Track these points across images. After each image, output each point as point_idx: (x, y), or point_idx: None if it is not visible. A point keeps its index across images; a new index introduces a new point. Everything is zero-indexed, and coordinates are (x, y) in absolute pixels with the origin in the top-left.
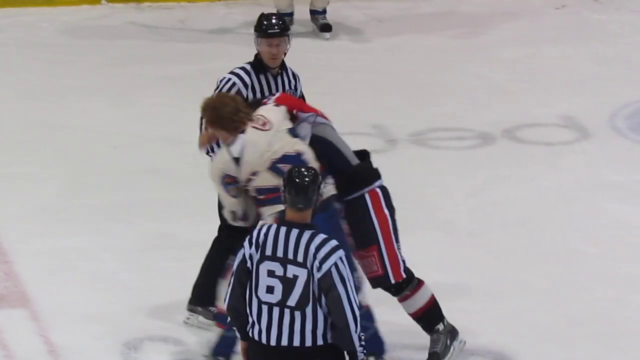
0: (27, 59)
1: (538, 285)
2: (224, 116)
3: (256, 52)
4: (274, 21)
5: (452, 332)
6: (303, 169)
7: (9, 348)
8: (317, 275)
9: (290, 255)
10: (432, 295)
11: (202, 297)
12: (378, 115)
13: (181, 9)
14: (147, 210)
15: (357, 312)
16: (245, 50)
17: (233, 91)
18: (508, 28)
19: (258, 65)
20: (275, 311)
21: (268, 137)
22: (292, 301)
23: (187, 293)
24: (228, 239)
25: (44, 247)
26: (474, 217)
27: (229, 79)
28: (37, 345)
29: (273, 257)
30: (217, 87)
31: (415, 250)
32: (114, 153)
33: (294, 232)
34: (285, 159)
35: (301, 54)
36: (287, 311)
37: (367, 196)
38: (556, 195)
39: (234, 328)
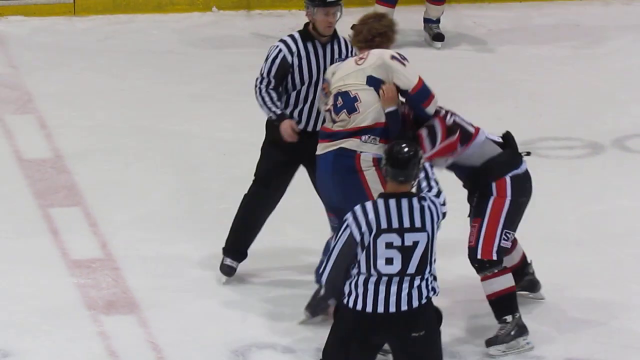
0: (137, 66)
1: None
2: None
3: (307, 21)
4: None
5: (521, 329)
6: (404, 144)
7: (117, 354)
8: (438, 232)
9: (407, 224)
10: (513, 287)
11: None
12: (488, 124)
13: (291, 16)
14: None
15: None
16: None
17: (279, 58)
18: (617, 38)
19: (307, 33)
20: (395, 281)
21: None
22: (411, 268)
23: (295, 301)
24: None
25: (152, 253)
26: (582, 227)
27: (277, 47)
28: (146, 352)
29: (389, 229)
30: (267, 56)
31: None
32: (223, 160)
33: (404, 202)
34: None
35: (413, 62)
36: (406, 279)
37: (493, 185)
38: None
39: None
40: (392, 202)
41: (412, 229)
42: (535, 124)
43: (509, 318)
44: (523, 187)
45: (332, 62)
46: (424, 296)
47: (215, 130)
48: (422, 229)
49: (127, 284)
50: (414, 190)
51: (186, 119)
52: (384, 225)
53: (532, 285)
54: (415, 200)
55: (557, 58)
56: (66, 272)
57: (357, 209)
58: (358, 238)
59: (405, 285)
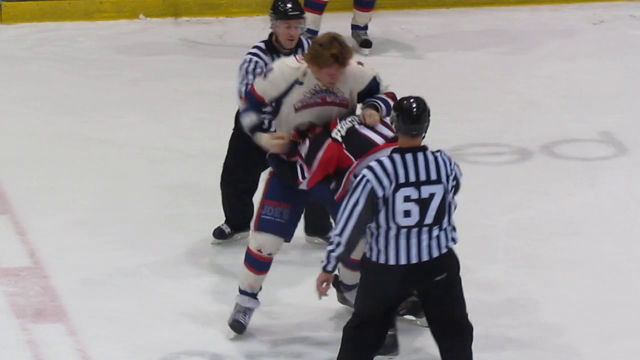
0: (64, 73)
1: (575, 300)
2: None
3: (270, 33)
4: (290, 5)
5: (384, 348)
6: (413, 99)
7: None
8: (453, 183)
9: (423, 177)
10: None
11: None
12: None
13: (219, 23)
14: (184, 225)
15: None
16: None
17: (258, 69)
18: (545, 44)
19: (272, 45)
20: (414, 233)
21: None
22: (429, 219)
23: (223, 308)
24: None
25: (80, 261)
26: (510, 233)
27: (251, 60)
28: None
29: (407, 183)
30: (244, 70)
31: None
32: (151, 167)
33: (420, 156)
34: None
35: None
36: (424, 230)
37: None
38: (594, 211)
39: (336, 261)
40: (409, 157)
41: (428, 181)
42: (463, 130)
43: None
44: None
45: None
46: (443, 246)
47: (142, 137)
48: (438, 181)
49: (55, 292)
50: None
51: (114, 127)
52: (402, 179)
53: (417, 309)
54: (429, 154)
55: (485, 64)
56: None
57: (375, 165)
58: (380, 193)
59: (425, 237)
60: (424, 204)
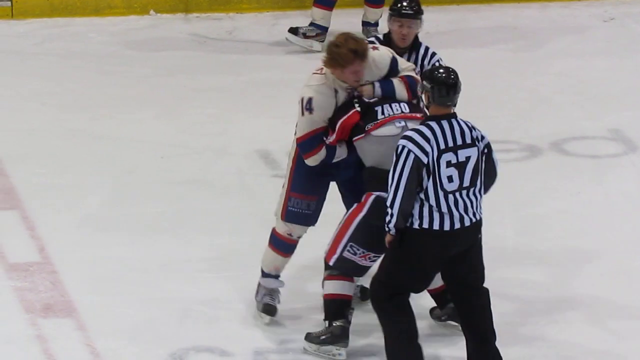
0: (74, 69)
1: (585, 298)
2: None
3: (388, 29)
4: (406, 3)
5: (335, 338)
6: (444, 69)
7: (55, 358)
8: (482, 146)
9: (459, 141)
10: (342, 295)
11: None
12: None
13: (229, 19)
14: (192, 220)
15: None
16: (293, 60)
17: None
18: (556, 41)
19: (386, 41)
20: (457, 196)
21: None
22: (466, 182)
23: (230, 303)
24: None
25: (90, 256)
26: (520, 230)
27: (373, 42)
28: (83, 355)
29: (446, 149)
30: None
31: None
32: (160, 163)
33: (454, 122)
34: None
35: None
36: (464, 192)
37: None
38: (603, 208)
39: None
40: (445, 123)
41: (464, 145)
42: None
43: (326, 323)
44: (380, 212)
45: None
46: (478, 210)
47: (152, 133)
48: (472, 144)
49: (64, 287)
50: None
51: (123, 123)
52: (442, 145)
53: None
54: (461, 121)
55: (495, 61)
56: (3, 275)
57: (413, 134)
58: (425, 160)
59: (463, 199)
60: (461, 167)
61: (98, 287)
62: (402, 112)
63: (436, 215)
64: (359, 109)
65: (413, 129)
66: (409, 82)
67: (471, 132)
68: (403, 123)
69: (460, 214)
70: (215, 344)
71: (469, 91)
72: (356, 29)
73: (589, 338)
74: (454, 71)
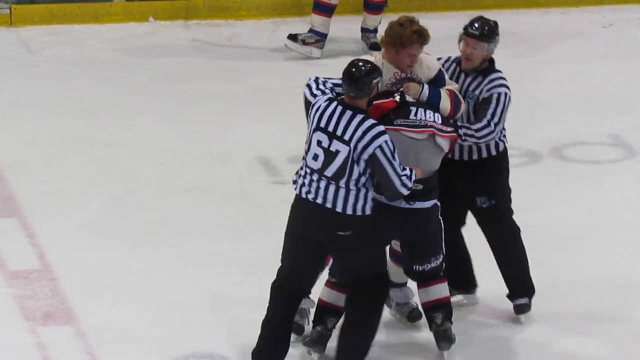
0: (73, 76)
1: (585, 303)
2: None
3: None
4: (477, 24)
5: (310, 340)
6: (361, 61)
7: None
8: (364, 157)
9: (339, 132)
10: (324, 301)
11: None
12: None
13: (229, 26)
14: (193, 227)
15: (407, 182)
16: (292, 67)
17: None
18: (555, 47)
19: (459, 60)
20: (315, 177)
21: None
22: (329, 172)
23: (230, 310)
24: None
25: (90, 263)
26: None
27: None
28: None
29: (324, 130)
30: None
31: None
32: (160, 170)
33: (348, 113)
34: None
35: None
36: (323, 179)
37: None
38: (603, 213)
39: None
40: (339, 109)
41: (340, 138)
42: None
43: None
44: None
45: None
46: (338, 205)
47: (151, 140)
48: (347, 142)
49: (64, 294)
50: None
51: (123, 129)
52: (322, 124)
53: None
54: (358, 117)
55: None
56: (3, 282)
57: (322, 97)
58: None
59: (322, 185)
60: (329, 156)
61: (98, 295)
62: (435, 121)
63: (300, 178)
64: (398, 99)
65: (326, 97)
66: (455, 97)
67: (355, 132)
68: (427, 135)
69: (312, 191)
70: (215, 350)
71: None
72: (355, 35)
73: (587, 343)
74: (365, 66)
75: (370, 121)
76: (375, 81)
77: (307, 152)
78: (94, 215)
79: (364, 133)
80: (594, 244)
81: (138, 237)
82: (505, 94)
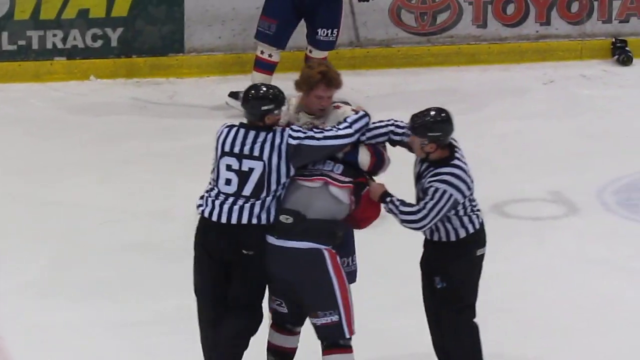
0: (14, 135)
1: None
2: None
3: None
4: (414, 117)
5: None
6: (261, 87)
7: None
8: (290, 155)
9: (246, 151)
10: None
11: None
12: None
13: (169, 84)
14: (136, 286)
15: (346, 130)
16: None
17: None
18: (496, 104)
19: None
20: (230, 200)
21: None
22: (247, 191)
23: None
24: None
25: (33, 322)
26: None
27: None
28: None
29: (231, 153)
30: None
31: (401, 325)
32: (102, 229)
33: (251, 132)
34: None
35: None
36: (241, 200)
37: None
38: (544, 270)
39: None
40: (241, 131)
41: (250, 156)
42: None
43: None
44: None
45: None
46: (253, 218)
47: (93, 198)
48: (259, 158)
49: (10, 353)
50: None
51: (64, 188)
52: (227, 149)
53: None
54: (262, 134)
55: None
56: None
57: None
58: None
59: (238, 205)
60: (243, 176)
61: (43, 353)
62: (332, 170)
63: (209, 204)
64: None
65: (225, 125)
66: (375, 150)
67: (264, 147)
68: (321, 184)
69: (225, 212)
70: None
71: (408, 154)
72: (296, 93)
73: None
74: (258, 91)
75: (272, 130)
76: (265, 108)
77: (216, 181)
78: (37, 274)
79: (273, 139)
80: (536, 301)
81: (82, 296)
82: (444, 191)
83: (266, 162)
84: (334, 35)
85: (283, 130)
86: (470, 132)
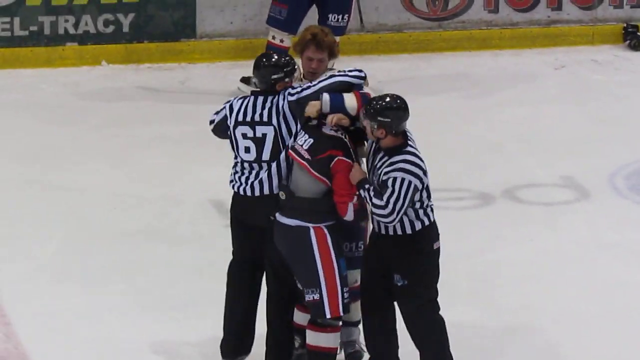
0: (25, 120)
1: (539, 345)
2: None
3: None
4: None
5: None
6: (273, 55)
7: None
8: (287, 114)
9: (257, 118)
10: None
11: None
12: None
13: (181, 69)
14: (145, 271)
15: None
16: None
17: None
18: (507, 89)
19: None
20: (254, 172)
21: None
22: (265, 156)
23: (185, 352)
24: None
25: (43, 307)
26: (473, 277)
27: None
28: None
29: (244, 122)
30: None
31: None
32: (113, 214)
33: (260, 99)
34: None
35: None
36: (264, 167)
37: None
38: (555, 256)
39: None
40: (251, 99)
41: (261, 122)
42: None
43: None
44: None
45: None
46: (274, 186)
47: (104, 184)
48: (269, 123)
49: (18, 339)
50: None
51: (75, 173)
52: (240, 118)
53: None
54: (269, 99)
55: (446, 109)
56: None
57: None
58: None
59: (263, 173)
60: (259, 142)
61: (52, 339)
62: (301, 145)
63: (236, 178)
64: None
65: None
66: (362, 96)
67: (272, 110)
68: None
69: (251, 183)
70: None
71: (420, 138)
72: None
73: None
74: (270, 59)
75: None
76: (275, 77)
77: (236, 150)
78: (47, 259)
79: (277, 101)
80: (547, 286)
81: (92, 281)
82: (402, 179)
83: (276, 126)
84: (344, 20)
85: (284, 91)
86: (482, 117)
